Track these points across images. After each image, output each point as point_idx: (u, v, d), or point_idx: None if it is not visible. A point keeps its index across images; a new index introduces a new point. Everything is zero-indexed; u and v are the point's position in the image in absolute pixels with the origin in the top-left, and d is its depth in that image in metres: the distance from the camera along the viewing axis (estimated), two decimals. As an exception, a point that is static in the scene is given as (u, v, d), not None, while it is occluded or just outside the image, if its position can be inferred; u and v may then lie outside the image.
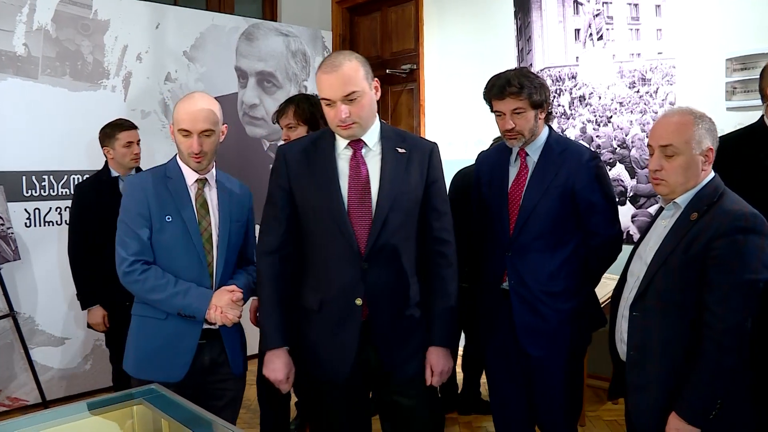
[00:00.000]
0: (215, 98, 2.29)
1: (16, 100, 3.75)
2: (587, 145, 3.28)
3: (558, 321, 2.29)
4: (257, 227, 2.25)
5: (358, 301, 2.01)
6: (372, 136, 2.06)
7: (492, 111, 2.35)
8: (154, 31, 4.31)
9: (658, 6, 3.56)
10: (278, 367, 2.07)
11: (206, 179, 2.24)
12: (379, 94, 2.05)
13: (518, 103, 2.25)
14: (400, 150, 2.07)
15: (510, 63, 4.11)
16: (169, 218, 2.16)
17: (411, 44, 4.99)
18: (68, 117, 3.88)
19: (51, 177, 3.90)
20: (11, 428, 1.70)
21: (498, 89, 2.27)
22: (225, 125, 2.29)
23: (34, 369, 3.62)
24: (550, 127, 2.42)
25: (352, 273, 2.02)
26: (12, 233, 3.52)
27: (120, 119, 3.39)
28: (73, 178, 3.97)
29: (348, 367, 2.05)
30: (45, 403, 3.64)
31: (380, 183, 2.02)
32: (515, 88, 2.24)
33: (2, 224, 3.46)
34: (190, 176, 2.23)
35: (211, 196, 2.26)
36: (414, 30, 4.94)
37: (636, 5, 3.67)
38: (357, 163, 2.05)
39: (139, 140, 3.34)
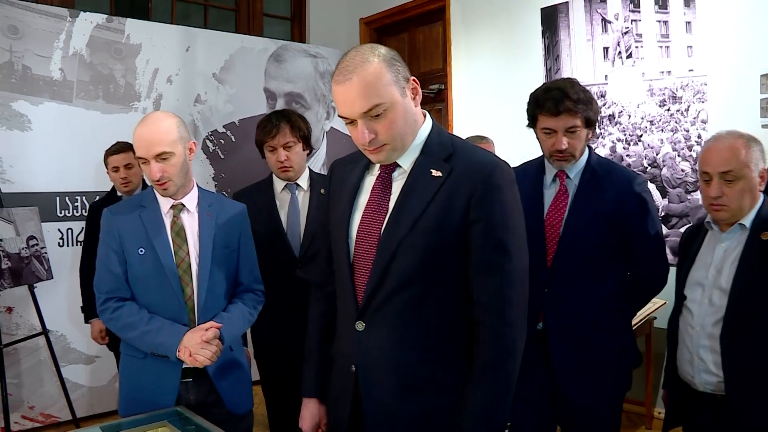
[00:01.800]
0: (244, 119, 2.23)
1: (52, 123, 3.85)
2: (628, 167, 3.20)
3: (605, 362, 2.06)
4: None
5: (353, 368, 1.62)
6: (410, 156, 1.58)
7: (533, 127, 2.12)
8: (184, 54, 4.39)
9: (689, 23, 3.52)
10: (305, 416, 1.79)
11: (183, 205, 2.08)
12: (419, 97, 1.57)
13: (574, 120, 2.01)
14: (434, 173, 1.55)
15: (538, 82, 4.09)
16: (141, 251, 2.02)
17: (439, 64, 4.99)
18: (101, 139, 3.92)
19: (83, 197, 3.97)
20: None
21: (553, 104, 2.00)
22: (192, 141, 2.10)
23: (65, 386, 3.66)
24: (590, 147, 2.18)
25: (349, 330, 1.63)
26: (45, 253, 3.58)
27: (117, 143, 3.35)
28: (104, 209, 4.01)
29: None
30: (75, 421, 3.67)
31: (388, 218, 1.57)
32: (572, 103, 1.99)
33: (36, 244, 3.52)
34: (165, 203, 2.07)
35: (190, 222, 2.08)
36: (441, 50, 4.94)
37: (666, 22, 3.62)
38: (380, 190, 1.62)
39: (128, 164, 3.25)
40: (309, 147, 2.81)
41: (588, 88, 2.20)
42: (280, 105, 4.77)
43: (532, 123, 2.12)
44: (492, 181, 1.51)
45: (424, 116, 1.63)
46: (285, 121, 2.71)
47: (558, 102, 1.99)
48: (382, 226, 1.57)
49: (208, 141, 4.45)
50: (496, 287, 1.52)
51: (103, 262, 2.05)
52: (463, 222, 1.51)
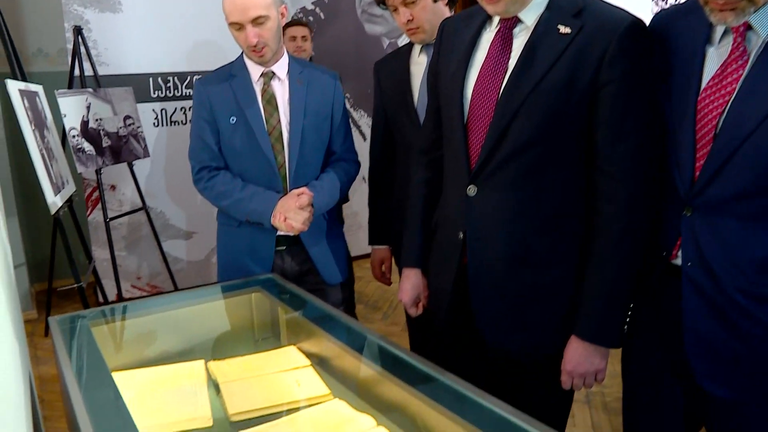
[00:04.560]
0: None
1: (144, 5, 3.86)
2: None
3: (761, 345, 1.31)
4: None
5: (460, 236, 1.60)
6: (534, 11, 1.46)
7: None
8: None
9: None
10: (405, 288, 1.81)
11: (273, 72, 2.04)
12: None
13: None
14: (563, 29, 1.41)
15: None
16: (233, 120, 2.01)
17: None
18: (192, 19, 3.96)
19: (176, 78, 4.04)
20: (149, 305, 1.84)
21: None
22: (284, 5, 2.03)
23: (166, 259, 3.89)
24: None
25: (458, 195, 1.59)
26: (142, 132, 3.71)
27: None
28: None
29: (443, 315, 1.70)
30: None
31: (509, 77, 1.46)
32: None
33: (132, 123, 3.65)
34: (255, 71, 2.03)
35: (281, 90, 2.05)
36: None
37: None
38: (499, 46, 1.50)
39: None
40: None
41: None
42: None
43: None
44: (627, 40, 1.37)
45: None
46: None
47: None
48: (501, 85, 1.47)
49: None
50: (624, 157, 1.42)
51: (197, 133, 2.08)
52: (593, 84, 1.40)
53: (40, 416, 2.20)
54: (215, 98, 2.03)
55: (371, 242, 2.32)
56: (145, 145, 3.71)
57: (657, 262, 1.47)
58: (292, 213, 1.97)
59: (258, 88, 2.04)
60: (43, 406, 3.10)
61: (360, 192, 4.43)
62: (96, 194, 3.79)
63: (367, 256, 4.08)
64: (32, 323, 4.07)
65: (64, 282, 4.14)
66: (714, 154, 1.31)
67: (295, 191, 2.01)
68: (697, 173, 1.35)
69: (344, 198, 2.43)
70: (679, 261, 1.41)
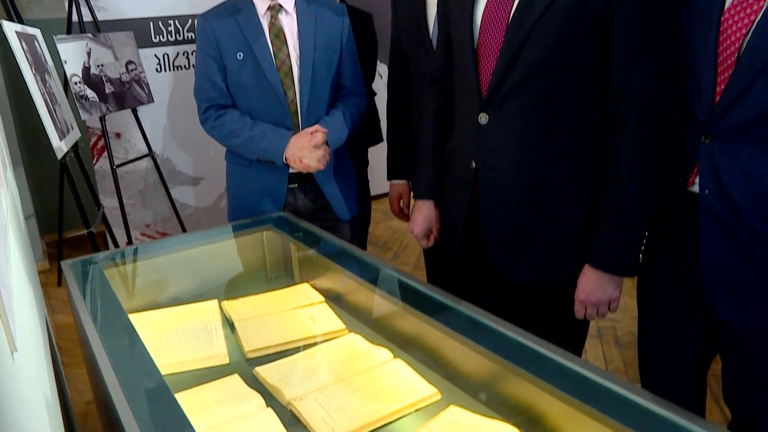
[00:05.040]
0: None
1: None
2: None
3: None
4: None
5: (473, 165, 1.58)
6: None
7: None
8: None
9: None
10: (417, 219, 1.80)
11: (280, 5, 1.98)
12: None
13: None
14: None
15: None
16: (240, 55, 1.96)
17: None
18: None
19: (177, 22, 3.95)
20: (161, 246, 1.83)
21: None
22: None
23: (175, 206, 3.87)
24: None
25: (469, 125, 1.57)
26: (144, 77, 3.64)
27: None
28: (198, 16, 3.99)
29: (456, 247, 1.70)
30: (187, 238, 3.92)
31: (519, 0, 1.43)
32: None
33: (135, 68, 3.59)
34: (261, 5, 1.97)
35: (289, 23, 1.99)
36: None
37: None
38: None
39: None
40: None
41: None
42: None
43: None
44: None
45: None
46: None
47: None
48: (510, 9, 1.44)
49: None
50: (640, 81, 1.38)
51: (202, 71, 2.03)
52: (606, 5, 1.36)
53: (60, 362, 2.23)
54: (220, 34, 1.98)
55: (390, 177, 2.29)
56: (149, 91, 3.65)
57: (673, 189, 1.44)
58: (306, 152, 1.93)
59: (265, 22, 1.99)
60: (61, 353, 3.15)
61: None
62: (101, 143, 3.75)
63: (375, 197, 4.06)
64: (45, 274, 4.10)
65: (75, 233, 4.16)
66: (736, 76, 1.25)
67: (308, 129, 1.97)
68: (718, 98, 1.30)
69: (365, 161, 2.37)
70: (695, 188, 1.38)
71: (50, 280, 4.02)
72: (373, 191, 3.23)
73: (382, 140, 3.00)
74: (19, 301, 1.09)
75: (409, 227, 1.85)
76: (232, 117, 2.00)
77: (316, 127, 1.97)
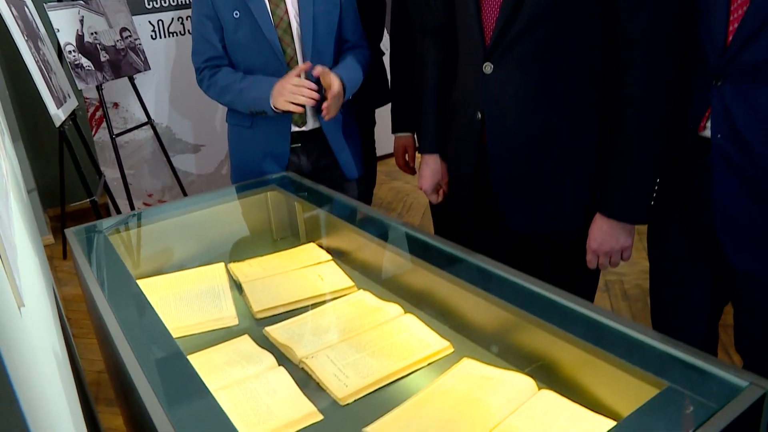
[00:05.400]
0: None
1: None
2: None
3: None
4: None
5: (478, 116, 1.56)
6: None
7: None
8: None
9: None
10: (425, 174, 1.78)
11: None
12: None
13: None
14: None
15: None
16: (236, 14, 1.91)
17: None
18: None
19: (169, -14, 3.88)
20: (164, 211, 1.82)
21: None
22: None
23: (176, 174, 3.85)
24: None
25: (473, 75, 1.55)
26: (140, 44, 3.59)
27: None
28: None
29: (465, 200, 1.68)
30: (190, 206, 3.90)
31: None
32: None
33: (130, 36, 3.53)
34: None
35: None
36: None
37: None
38: None
39: None
40: None
41: None
42: None
43: None
44: None
45: None
46: None
47: None
48: None
49: None
50: (646, 24, 1.35)
51: (198, 31, 2.00)
52: None
53: (71, 334, 2.23)
54: None
55: (394, 130, 2.27)
56: (145, 58, 3.60)
57: (684, 135, 1.41)
58: (289, 89, 1.86)
59: None
60: (71, 325, 3.15)
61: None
62: (99, 113, 3.71)
63: (378, 158, 4.02)
64: (50, 248, 4.10)
65: (77, 206, 4.14)
66: (751, 14, 1.21)
67: (295, 69, 1.90)
68: (730, 38, 1.25)
69: (372, 121, 2.33)
70: (707, 133, 1.34)
71: (56, 254, 4.02)
72: (377, 152, 3.20)
73: (375, 123, 2.96)
74: (24, 259, 1.07)
75: (417, 183, 1.83)
76: (225, 73, 1.98)
77: (306, 64, 1.91)
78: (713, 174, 1.32)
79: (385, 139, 2.84)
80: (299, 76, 1.90)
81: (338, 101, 1.91)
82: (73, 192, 3.84)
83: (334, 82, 1.88)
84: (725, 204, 1.33)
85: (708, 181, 1.34)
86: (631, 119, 1.40)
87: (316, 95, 1.88)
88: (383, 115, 2.86)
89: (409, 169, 2.34)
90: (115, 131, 3.47)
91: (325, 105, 1.89)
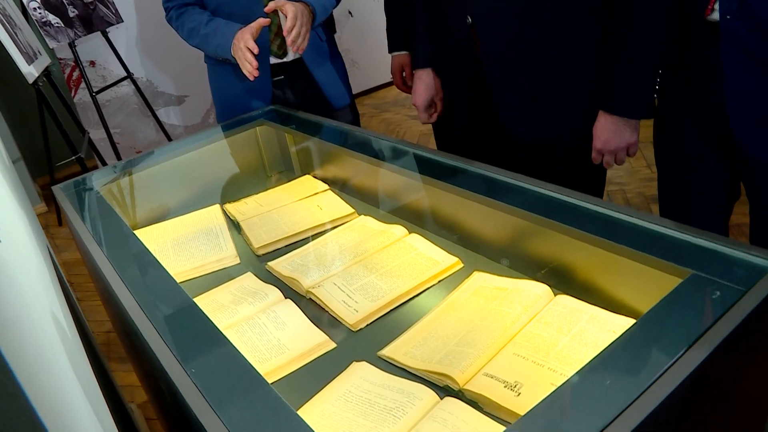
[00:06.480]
0: None
1: None
2: None
3: None
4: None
5: (468, 20, 1.48)
6: None
7: None
8: None
9: None
10: (418, 90, 1.72)
11: None
12: None
13: None
14: None
15: None
16: None
17: None
18: None
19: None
20: (151, 157, 1.75)
21: None
22: None
23: (164, 128, 3.77)
24: None
25: None
26: (109, -4, 3.46)
27: None
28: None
29: (464, 113, 1.62)
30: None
31: None
32: None
33: (97, -13, 3.39)
34: None
35: None
36: None
37: None
38: None
39: None
40: None
41: None
42: None
43: None
44: None
45: None
46: None
47: None
48: None
49: None
50: None
51: None
52: None
53: (74, 298, 2.19)
54: None
55: (390, 49, 2.18)
56: (116, 10, 3.47)
57: (690, 21, 1.32)
58: (238, 49, 1.76)
59: None
60: (74, 288, 3.13)
61: (348, 27, 4.19)
62: (77, 73, 3.60)
63: (364, 93, 3.93)
64: (44, 216, 4.04)
65: (66, 172, 4.06)
66: None
67: (253, 23, 1.77)
68: None
69: (332, 28, 2.25)
70: (715, 16, 1.25)
71: (51, 222, 3.96)
72: (362, 86, 3.11)
73: (335, 31, 2.84)
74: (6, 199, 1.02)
75: (411, 100, 1.77)
76: (190, 15, 1.90)
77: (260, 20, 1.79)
78: (723, 58, 1.25)
79: (369, 72, 2.75)
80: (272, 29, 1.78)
81: (301, 30, 1.75)
82: (58, 154, 3.74)
83: (288, 12, 1.72)
84: (737, 89, 1.26)
85: (718, 68, 1.27)
86: (632, 8, 1.33)
87: (255, 72, 1.75)
88: (363, 50, 2.76)
89: (407, 88, 2.27)
90: (95, 89, 3.37)
91: (289, 40, 1.75)
